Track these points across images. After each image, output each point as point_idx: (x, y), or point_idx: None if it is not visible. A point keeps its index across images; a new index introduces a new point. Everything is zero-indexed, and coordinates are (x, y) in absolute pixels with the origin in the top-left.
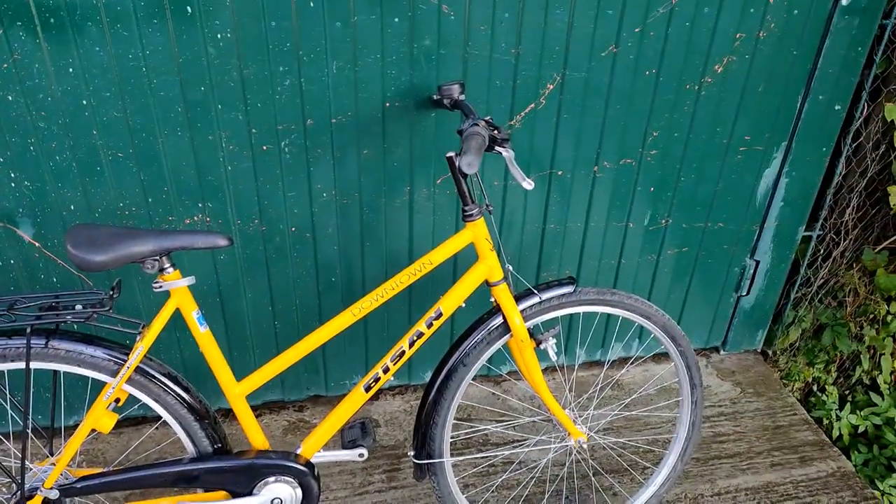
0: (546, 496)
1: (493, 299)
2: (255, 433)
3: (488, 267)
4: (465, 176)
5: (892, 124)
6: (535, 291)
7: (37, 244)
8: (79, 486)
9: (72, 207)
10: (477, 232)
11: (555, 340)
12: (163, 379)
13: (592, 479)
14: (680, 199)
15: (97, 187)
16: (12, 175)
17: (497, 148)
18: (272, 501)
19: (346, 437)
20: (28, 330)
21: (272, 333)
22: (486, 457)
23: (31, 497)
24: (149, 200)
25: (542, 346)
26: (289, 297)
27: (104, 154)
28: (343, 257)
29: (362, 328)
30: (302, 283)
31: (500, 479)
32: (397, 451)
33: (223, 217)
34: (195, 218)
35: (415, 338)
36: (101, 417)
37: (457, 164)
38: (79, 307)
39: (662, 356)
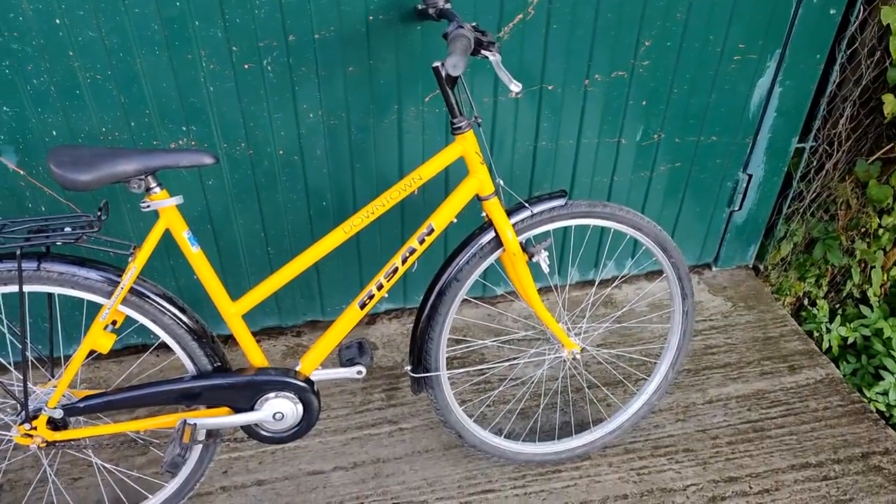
0: (541, 409)
1: (484, 214)
2: (253, 353)
3: (479, 181)
4: (452, 85)
5: (888, 28)
6: (527, 205)
7: (21, 172)
8: (81, 405)
9: (54, 133)
10: (466, 145)
11: (547, 253)
12: (158, 299)
13: (587, 391)
14: (673, 112)
15: (78, 111)
16: None
17: (483, 52)
18: (274, 416)
19: (344, 357)
20: (18, 252)
21: (266, 259)
22: (482, 370)
23: (35, 417)
24: (131, 125)
25: (534, 259)
26: (280, 223)
27: (82, 76)
28: (333, 180)
29: (356, 252)
30: (293, 207)
31: (495, 393)
32: (395, 371)
33: (209, 141)
34: (180, 142)
35: (407, 254)
36: (98, 338)
37: (442, 71)
38: (68, 229)
39: (655, 274)
